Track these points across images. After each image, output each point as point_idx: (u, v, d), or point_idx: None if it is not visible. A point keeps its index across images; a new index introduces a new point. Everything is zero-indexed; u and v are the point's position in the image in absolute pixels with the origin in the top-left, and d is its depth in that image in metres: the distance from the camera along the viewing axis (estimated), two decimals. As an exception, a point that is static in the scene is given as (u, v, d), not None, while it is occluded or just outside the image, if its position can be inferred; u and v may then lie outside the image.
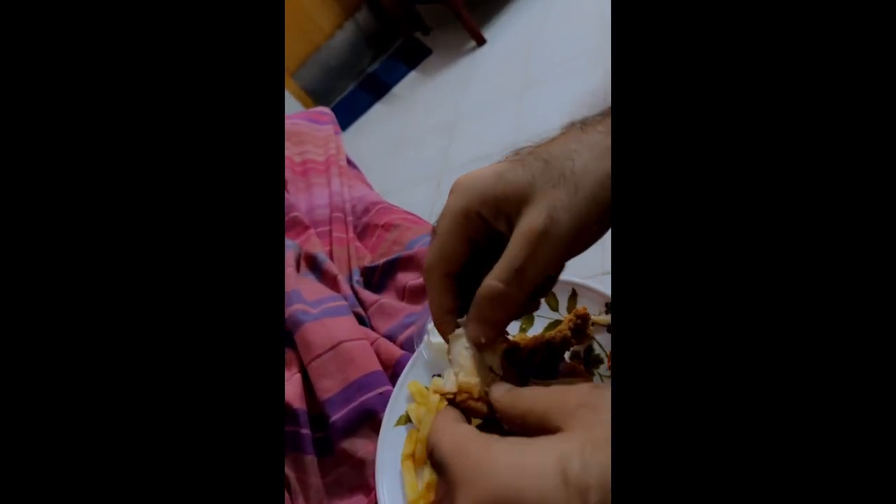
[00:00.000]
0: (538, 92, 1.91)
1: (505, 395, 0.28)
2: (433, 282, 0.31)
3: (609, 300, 0.42)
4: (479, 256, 0.30)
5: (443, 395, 0.31)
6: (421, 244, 0.66)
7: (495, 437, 0.24)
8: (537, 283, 0.28)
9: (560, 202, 0.27)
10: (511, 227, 0.29)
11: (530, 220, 0.27)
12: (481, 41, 2.34)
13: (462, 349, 0.32)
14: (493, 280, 0.28)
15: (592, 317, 0.43)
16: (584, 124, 0.30)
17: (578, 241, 0.28)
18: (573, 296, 0.45)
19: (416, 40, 2.70)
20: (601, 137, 0.28)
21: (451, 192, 0.30)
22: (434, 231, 0.31)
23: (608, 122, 0.29)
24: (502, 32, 2.34)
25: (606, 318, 0.42)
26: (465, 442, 0.25)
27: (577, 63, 1.86)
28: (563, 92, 1.80)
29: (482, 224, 0.29)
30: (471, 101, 2.13)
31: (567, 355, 0.42)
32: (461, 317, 0.31)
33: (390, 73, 2.65)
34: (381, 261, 0.66)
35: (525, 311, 0.34)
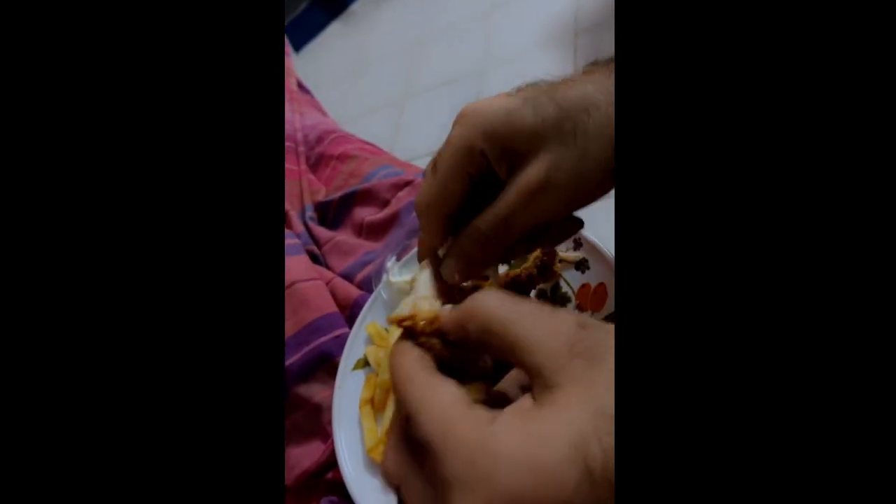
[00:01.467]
0: (507, 11, 1.84)
1: (469, 311, 0.24)
2: (429, 221, 0.30)
3: (578, 236, 0.41)
4: (472, 193, 0.29)
5: (399, 322, 0.28)
6: (380, 176, 0.63)
7: (487, 415, 0.21)
8: (523, 234, 0.28)
9: (564, 162, 0.26)
10: (509, 171, 0.28)
11: (529, 175, 0.27)
12: (446, -46, 2.22)
13: (427, 280, 0.31)
14: (480, 224, 0.28)
15: (560, 253, 0.41)
16: (605, 67, 0.28)
17: (575, 203, 0.28)
18: (540, 231, 0.43)
19: (375, -48, 2.54)
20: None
21: (456, 122, 0.29)
22: (434, 165, 0.29)
23: None
24: (469, -55, 2.22)
25: (575, 255, 0.40)
26: (454, 422, 0.21)
27: (549, -20, 1.79)
28: (531, 12, 1.74)
29: (483, 161, 0.28)
30: (435, 22, 2.04)
31: (533, 294, 0.41)
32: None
33: (347, -12, 2.50)
34: (337, 194, 0.63)
35: (505, 259, 0.33)
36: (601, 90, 0.27)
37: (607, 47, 0.23)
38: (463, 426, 0.20)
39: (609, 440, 0.18)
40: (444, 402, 0.22)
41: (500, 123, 0.27)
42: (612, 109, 0.26)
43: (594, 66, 0.29)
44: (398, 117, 1.80)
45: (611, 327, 0.21)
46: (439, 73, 1.84)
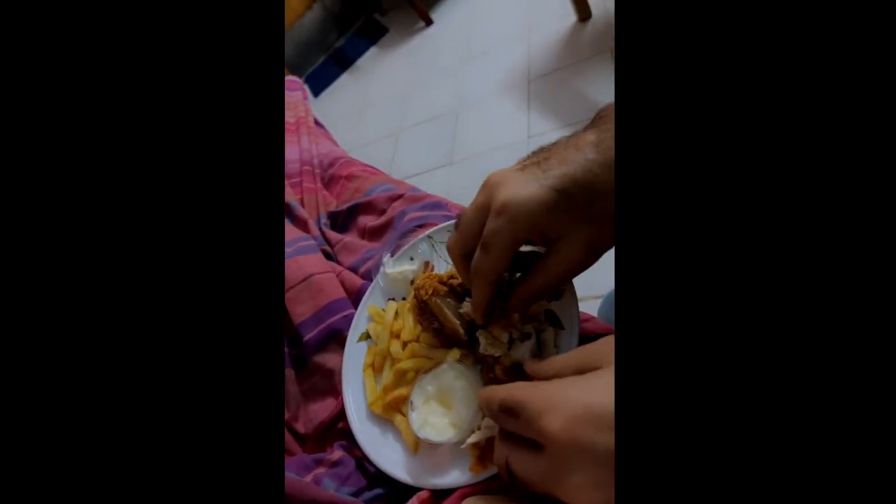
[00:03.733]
0: (475, 65, 1.83)
1: (536, 364, 0.27)
2: (481, 284, 0.29)
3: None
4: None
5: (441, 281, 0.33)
6: (378, 191, 0.62)
7: (546, 381, 0.23)
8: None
9: (595, 240, 0.26)
10: (546, 243, 0.28)
11: (570, 251, 0.27)
12: (429, 21, 2.21)
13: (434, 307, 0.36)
14: (530, 288, 0.29)
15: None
16: (604, 140, 0.26)
17: (593, 262, 0.28)
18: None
19: (375, 20, 2.51)
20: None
21: (500, 213, 0.26)
22: (484, 244, 0.28)
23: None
24: (446, 14, 2.21)
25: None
26: (527, 386, 0.23)
27: (506, 41, 1.78)
28: (494, 66, 1.73)
29: (524, 242, 0.28)
30: (421, 72, 2.02)
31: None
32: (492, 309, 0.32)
33: (354, 48, 2.47)
34: (345, 206, 0.62)
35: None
36: (607, 171, 0.25)
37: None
38: (534, 386, 0.22)
39: None
40: (511, 384, 0.24)
41: (542, 217, 0.26)
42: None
43: (586, 130, 0.27)
44: (394, 146, 1.78)
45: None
46: (424, 112, 1.83)
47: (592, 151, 0.26)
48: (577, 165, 0.26)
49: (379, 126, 1.93)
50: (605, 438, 0.18)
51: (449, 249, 0.31)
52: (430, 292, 0.36)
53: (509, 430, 0.22)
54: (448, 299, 0.36)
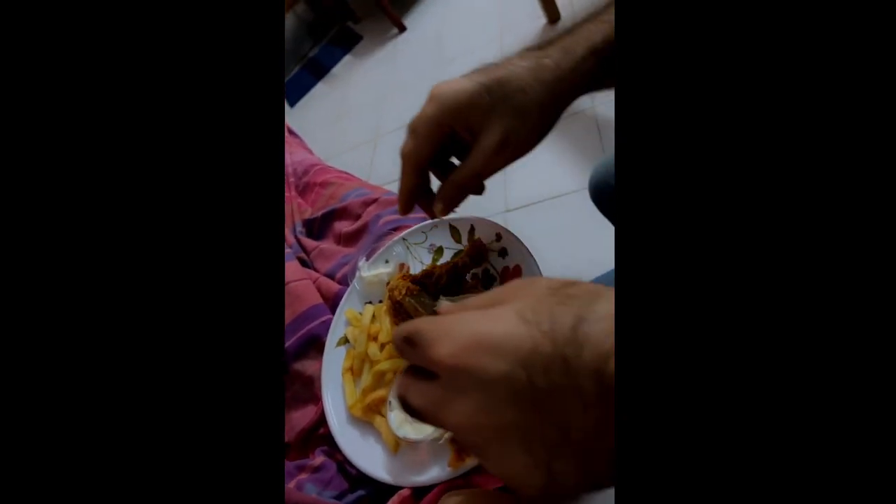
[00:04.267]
0: (450, 70, 1.84)
1: (450, 306, 0.27)
2: (406, 169, 0.32)
3: (498, 230, 0.41)
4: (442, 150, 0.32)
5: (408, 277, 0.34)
6: (353, 197, 0.62)
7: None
8: (485, 179, 0.32)
9: (513, 128, 0.29)
10: (470, 134, 0.30)
11: (490, 139, 0.29)
12: (402, 28, 2.21)
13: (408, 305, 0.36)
14: (459, 176, 0.31)
15: (487, 245, 0.41)
16: (537, 54, 0.30)
17: (520, 154, 0.31)
18: (472, 230, 0.43)
19: (348, 28, 2.51)
20: (551, 71, 0.29)
21: (430, 100, 0.30)
22: (412, 129, 0.31)
23: (558, 53, 0.29)
24: (419, 20, 2.22)
25: (498, 245, 0.40)
26: (429, 318, 0.22)
27: (479, 45, 1.80)
28: (469, 69, 1.73)
29: (449, 130, 0.30)
30: (397, 79, 2.03)
31: (468, 277, 0.40)
32: (420, 197, 0.33)
33: (328, 57, 2.47)
34: (320, 212, 0.62)
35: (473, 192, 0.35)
36: (533, 75, 0.29)
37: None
38: (435, 318, 0.22)
39: (538, 306, 0.19)
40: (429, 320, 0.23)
41: (463, 103, 0.29)
42: (543, 89, 0.29)
43: (529, 50, 0.31)
44: (372, 153, 1.78)
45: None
46: (401, 118, 1.83)
47: (517, 59, 0.30)
48: (506, 69, 0.30)
49: (356, 133, 1.93)
50: (494, 364, 0.18)
51: (402, 159, 0.32)
52: (403, 292, 0.37)
53: (410, 363, 0.22)
54: (422, 298, 0.37)
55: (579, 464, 0.18)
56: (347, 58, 2.38)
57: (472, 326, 0.20)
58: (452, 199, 0.32)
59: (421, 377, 0.21)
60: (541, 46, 0.30)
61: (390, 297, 0.38)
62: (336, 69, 2.38)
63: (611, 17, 0.30)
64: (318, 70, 2.43)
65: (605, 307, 0.18)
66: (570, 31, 0.30)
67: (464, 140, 0.31)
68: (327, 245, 0.58)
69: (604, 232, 0.86)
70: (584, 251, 1.04)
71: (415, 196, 0.33)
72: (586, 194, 0.61)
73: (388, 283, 0.45)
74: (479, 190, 0.34)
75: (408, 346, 0.21)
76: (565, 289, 0.20)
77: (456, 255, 0.43)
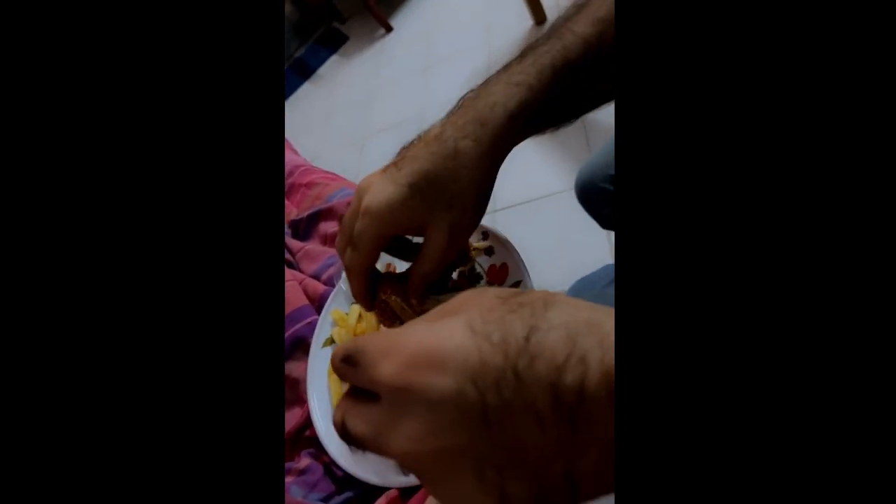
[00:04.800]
0: (437, 70, 1.84)
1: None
2: (354, 278, 0.32)
3: (485, 230, 0.41)
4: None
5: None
6: (338, 197, 0.62)
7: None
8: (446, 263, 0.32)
9: (455, 221, 0.29)
10: (414, 232, 0.31)
11: (438, 237, 0.29)
12: (389, 28, 2.21)
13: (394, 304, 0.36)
14: (416, 277, 0.32)
15: (473, 244, 0.41)
16: (457, 139, 0.29)
17: (464, 241, 0.32)
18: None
19: (334, 28, 2.50)
20: (473, 148, 0.29)
21: (364, 215, 0.30)
22: (353, 242, 0.31)
23: (477, 127, 0.29)
24: (406, 21, 2.22)
25: (484, 244, 0.40)
26: (372, 335, 0.20)
27: (467, 47, 1.80)
28: (456, 70, 1.74)
29: (391, 237, 0.31)
30: (384, 79, 2.03)
31: (455, 275, 0.40)
32: (372, 284, 0.34)
33: (315, 57, 2.45)
34: (305, 213, 0.61)
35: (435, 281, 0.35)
36: (454, 162, 0.29)
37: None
38: (381, 333, 0.20)
39: (487, 316, 0.18)
40: (370, 336, 0.21)
41: (398, 215, 0.29)
42: (470, 173, 0.29)
43: (437, 136, 0.30)
44: (360, 153, 1.78)
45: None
46: (388, 118, 1.83)
47: (434, 145, 0.29)
48: (423, 160, 0.29)
49: (344, 134, 1.92)
50: (440, 381, 0.16)
51: (347, 271, 0.33)
52: (389, 292, 0.37)
53: (351, 386, 0.20)
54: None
55: (535, 487, 0.16)
56: (334, 58, 2.37)
57: (417, 340, 0.18)
58: (419, 289, 0.33)
59: (361, 400, 0.19)
60: (455, 122, 0.30)
61: (377, 297, 0.38)
62: (322, 69, 2.37)
63: (528, 77, 0.30)
64: (304, 70, 2.41)
65: (558, 315, 0.17)
66: (482, 92, 0.31)
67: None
68: (313, 246, 0.58)
69: (590, 232, 0.87)
70: (570, 251, 1.05)
71: (371, 292, 0.34)
72: (573, 194, 0.62)
73: None
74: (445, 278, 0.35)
75: (348, 366, 0.19)
76: (516, 297, 0.18)
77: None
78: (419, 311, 0.37)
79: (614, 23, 0.29)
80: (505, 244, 0.39)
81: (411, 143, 0.31)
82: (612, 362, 0.15)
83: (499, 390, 0.16)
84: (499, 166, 0.30)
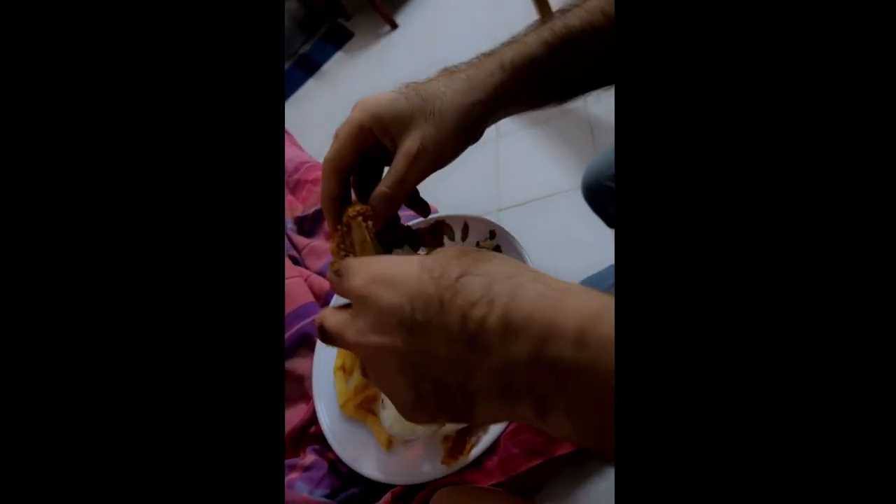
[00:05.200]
0: (442, 67, 1.83)
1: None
2: (327, 173, 0.32)
3: (493, 228, 0.41)
4: (368, 162, 0.33)
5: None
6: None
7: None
8: (413, 187, 0.32)
9: (429, 133, 0.30)
10: (393, 143, 0.31)
11: (408, 145, 0.30)
12: (394, 25, 2.21)
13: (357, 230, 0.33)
14: (383, 187, 0.31)
15: (481, 242, 0.41)
16: (451, 71, 0.32)
17: (441, 161, 0.31)
18: (465, 227, 0.43)
19: (339, 25, 2.49)
20: (463, 81, 0.31)
21: (354, 108, 0.32)
22: (335, 134, 0.32)
23: (471, 69, 0.32)
24: (411, 17, 2.22)
25: (491, 242, 0.40)
26: (357, 258, 0.27)
27: (473, 44, 1.79)
28: (462, 67, 1.73)
29: (372, 136, 0.31)
30: (388, 76, 2.02)
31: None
32: (343, 204, 0.33)
33: (320, 53, 2.45)
34: (311, 210, 0.62)
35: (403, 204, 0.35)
36: (447, 84, 0.31)
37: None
38: (361, 259, 0.25)
39: (435, 257, 0.23)
40: (355, 259, 0.27)
41: (383, 109, 0.30)
42: (455, 96, 0.30)
43: (444, 70, 0.33)
44: (364, 151, 1.78)
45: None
46: (394, 115, 1.83)
47: (441, 75, 0.32)
48: (426, 83, 0.32)
49: (348, 131, 1.92)
50: (388, 295, 0.22)
51: (323, 165, 0.33)
52: (354, 214, 0.34)
53: (336, 293, 0.25)
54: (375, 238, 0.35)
55: (440, 390, 0.21)
56: (339, 55, 2.37)
57: (383, 265, 0.24)
58: (381, 209, 0.33)
59: (339, 309, 0.25)
60: (457, 66, 0.33)
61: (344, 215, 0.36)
62: (327, 66, 2.37)
63: (526, 38, 0.32)
64: (309, 67, 2.41)
65: (488, 267, 0.22)
66: (487, 53, 0.33)
67: (389, 154, 0.32)
68: (318, 243, 0.58)
69: (596, 231, 0.87)
70: (576, 250, 1.04)
71: (337, 203, 0.33)
72: (579, 193, 0.62)
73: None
74: (418, 207, 0.36)
75: (338, 276, 0.25)
76: (472, 253, 0.23)
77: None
78: (379, 250, 0.35)
79: (615, 20, 0.29)
80: (511, 242, 0.39)
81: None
82: (513, 307, 0.20)
83: (426, 310, 0.21)
84: (488, 108, 0.32)
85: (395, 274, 0.22)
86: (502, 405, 0.20)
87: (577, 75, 0.34)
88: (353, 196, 0.34)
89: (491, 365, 0.20)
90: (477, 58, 0.33)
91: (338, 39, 2.43)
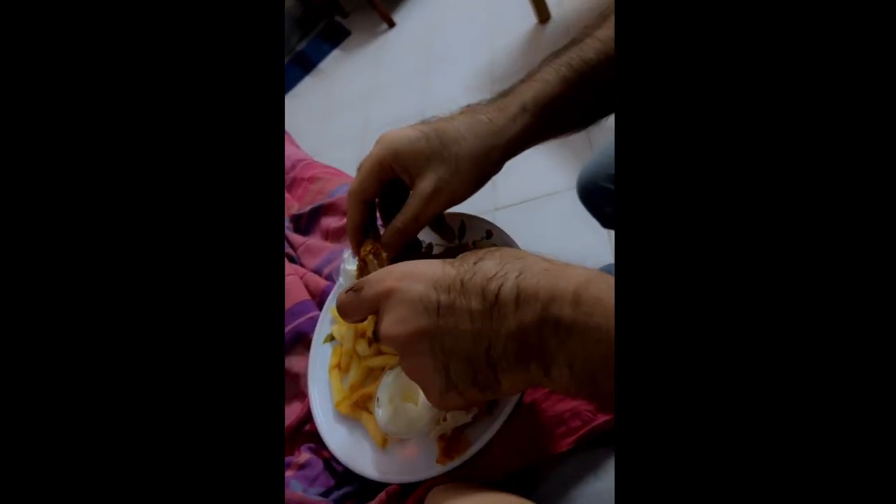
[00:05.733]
0: (439, 67, 1.84)
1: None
2: (351, 204, 0.35)
3: (489, 228, 0.41)
4: (388, 191, 0.35)
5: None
6: (341, 193, 0.61)
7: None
8: (426, 224, 0.34)
9: (444, 177, 0.32)
10: (411, 179, 0.33)
11: (423, 187, 0.32)
12: (391, 24, 2.21)
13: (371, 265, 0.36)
14: (397, 223, 0.33)
15: (479, 242, 0.41)
16: (474, 110, 0.33)
17: (455, 201, 0.33)
18: (462, 226, 0.43)
19: (337, 23, 2.49)
20: (485, 125, 0.32)
21: (377, 143, 0.33)
22: (358, 168, 0.34)
23: (493, 111, 0.33)
24: (408, 16, 2.21)
25: (489, 242, 0.40)
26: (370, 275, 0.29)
27: (470, 43, 1.80)
28: (458, 68, 1.74)
29: (392, 171, 0.33)
30: (385, 75, 2.02)
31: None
32: (365, 233, 0.35)
33: (316, 51, 2.44)
34: (307, 208, 0.61)
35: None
36: (468, 127, 0.32)
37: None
38: (377, 273, 0.27)
39: (457, 263, 0.25)
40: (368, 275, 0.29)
41: (404, 148, 0.32)
42: (476, 142, 0.32)
43: (467, 108, 0.34)
44: (361, 149, 1.78)
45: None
46: (390, 114, 1.83)
47: (464, 115, 0.33)
48: (448, 122, 0.33)
49: (345, 129, 1.91)
50: (415, 287, 0.25)
51: (348, 195, 0.35)
52: (369, 248, 0.36)
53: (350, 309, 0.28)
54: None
55: (469, 370, 0.24)
56: (336, 52, 2.36)
57: (406, 266, 0.26)
58: (393, 242, 0.34)
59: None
60: (480, 105, 0.34)
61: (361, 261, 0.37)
62: (324, 64, 2.36)
63: (545, 74, 0.33)
64: (305, 64, 2.41)
65: (500, 252, 0.25)
66: (507, 91, 0.34)
67: (408, 187, 0.34)
68: (315, 241, 0.58)
69: (591, 231, 0.87)
70: (571, 250, 1.05)
71: (362, 232, 0.35)
72: (574, 193, 0.62)
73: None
74: (442, 232, 0.38)
75: (353, 293, 0.26)
76: (483, 248, 0.26)
77: (447, 251, 0.43)
78: None
79: (614, 23, 0.30)
80: (508, 242, 0.39)
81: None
82: (523, 279, 0.23)
83: (449, 292, 0.24)
84: (506, 153, 0.33)
85: (420, 269, 0.25)
86: (520, 368, 0.23)
87: (595, 106, 0.35)
88: (379, 220, 0.37)
89: (508, 329, 0.22)
90: (499, 97, 0.34)
91: (335, 37, 2.42)
